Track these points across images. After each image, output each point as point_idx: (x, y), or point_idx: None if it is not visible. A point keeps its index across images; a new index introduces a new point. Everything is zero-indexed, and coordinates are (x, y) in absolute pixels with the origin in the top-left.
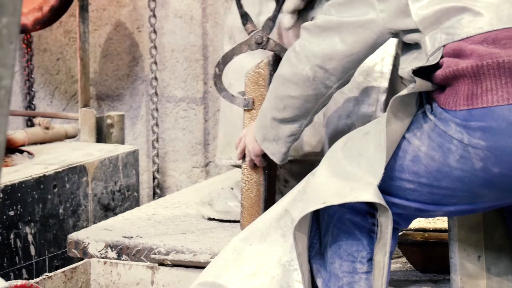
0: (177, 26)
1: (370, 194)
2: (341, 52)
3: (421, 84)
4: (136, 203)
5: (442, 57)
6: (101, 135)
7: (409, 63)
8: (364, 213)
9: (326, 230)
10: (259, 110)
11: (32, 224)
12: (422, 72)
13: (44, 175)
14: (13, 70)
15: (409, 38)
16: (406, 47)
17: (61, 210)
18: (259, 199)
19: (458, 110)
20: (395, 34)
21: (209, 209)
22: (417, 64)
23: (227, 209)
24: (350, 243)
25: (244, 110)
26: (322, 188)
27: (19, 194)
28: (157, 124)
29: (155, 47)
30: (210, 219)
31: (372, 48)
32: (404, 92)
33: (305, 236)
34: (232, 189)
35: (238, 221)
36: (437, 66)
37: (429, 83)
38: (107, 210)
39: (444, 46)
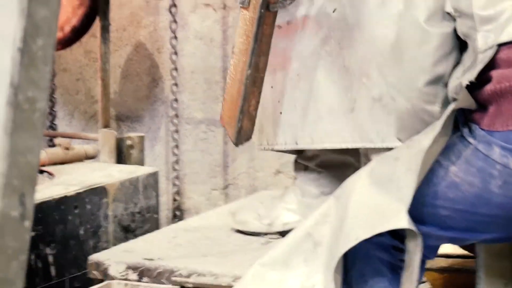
0: (197, 48)
1: (399, 220)
2: None
3: (464, 100)
4: (156, 225)
5: (492, 67)
6: (121, 156)
7: (458, 75)
8: (390, 248)
9: (352, 264)
10: (252, 11)
11: (52, 245)
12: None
13: (65, 196)
14: (47, 93)
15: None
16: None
17: (81, 231)
18: (239, 97)
19: (506, 131)
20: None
21: (231, 219)
22: (470, 77)
23: (243, 220)
24: (377, 279)
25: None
26: (352, 221)
27: (40, 215)
28: (177, 146)
29: (175, 69)
30: (237, 231)
31: None
32: (445, 115)
33: (338, 274)
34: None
35: (256, 234)
36: (484, 80)
37: (473, 100)
38: (127, 232)
39: (499, 46)
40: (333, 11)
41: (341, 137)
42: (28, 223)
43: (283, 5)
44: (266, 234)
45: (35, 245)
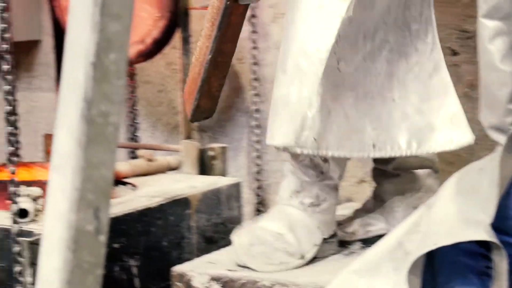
0: (277, 58)
1: (481, 232)
2: None
3: None
4: None
5: None
6: (203, 167)
7: None
8: (477, 255)
9: (439, 270)
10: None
11: (136, 256)
12: None
13: (148, 207)
14: (121, 107)
15: None
16: None
17: (165, 243)
18: (199, 77)
19: None
20: None
21: None
22: None
23: None
24: (463, 286)
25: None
26: (435, 228)
27: (123, 227)
28: (259, 157)
29: (256, 79)
30: None
31: None
32: None
33: (416, 277)
34: None
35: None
36: None
37: None
38: (211, 243)
39: None
40: None
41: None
42: (103, 238)
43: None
44: (349, 242)
45: (119, 257)
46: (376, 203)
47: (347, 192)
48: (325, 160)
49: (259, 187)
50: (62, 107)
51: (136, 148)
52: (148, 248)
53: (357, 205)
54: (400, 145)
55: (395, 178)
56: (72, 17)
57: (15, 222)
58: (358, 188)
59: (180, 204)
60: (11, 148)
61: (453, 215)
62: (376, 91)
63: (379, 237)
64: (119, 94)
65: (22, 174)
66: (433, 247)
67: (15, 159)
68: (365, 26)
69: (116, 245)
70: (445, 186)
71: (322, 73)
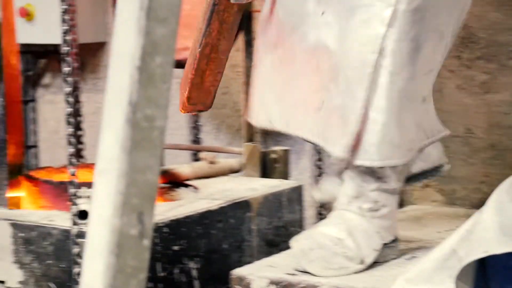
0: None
1: None
2: None
3: None
4: None
5: None
6: (265, 170)
7: None
8: None
9: (492, 277)
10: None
11: (196, 259)
12: None
13: (209, 210)
14: (166, 111)
15: None
16: None
17: (225, 245)
18: (190, 70)
19: None
20: None
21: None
22: None
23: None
24: None
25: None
26: (486, 234)
27: (183, 229)
28: (321, 160)
29: None
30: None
31: None
32: None
33: (467, 285)
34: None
35: None
36: None
37: None
38: (271, 246)
39: None
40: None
41: (310, 131)
42: (147, 242)
43: None
44: None
45: (179, 259)
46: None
47: (411, 196)
48: (381, 166)
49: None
50: (108, 111)
51: (199, 151)
52: (208, 250)
53: (421, 207)
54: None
55: None
56: (118, 20)
57: (74, 223)
58: (422, 193)
59: (241, 206)
60: (72, 150)
61: (504, 223)
62: (429, 98)
63: None
64: (165, 98)
65: (85, 176)
66: (483, 254)
67: (75, 160)
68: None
69: (176, 248)
70: (497, 192)
71: (377, 84)
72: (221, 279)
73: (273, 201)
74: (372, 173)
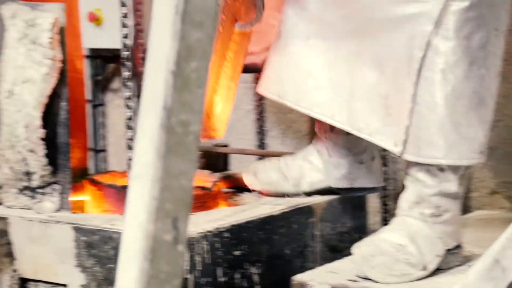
0: None
1: None
2: None
3: None
4: None
5: None
6: None
7: None
8: None
9: None
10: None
11: (258, 264)
12: None
13: (271, 215)
14: (201, 116)
15: None
16: None
17: (287, 251)
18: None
19: None
20: None
21: (253, 178)
22: None
23: (269, 180)
24: None
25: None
26: None
27: (245, 234)
28: (386, 165)
29: None
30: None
31: None
32: None
33: None
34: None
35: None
36: None
37: None
38: (335, 252)
39: None
40: None
41: (331, 112)
42: (181, 247)
43: (251, 25)
44: (294, 194)
45: (240, 264)
46: (321, 156)
47: (478, 202)
48: (441, 169)
49: (386, 196)
50: (143, 116)
51: (264, 155)
52: (270, 256)
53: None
54: None
55: (345, 134)
56: (154, 25)
57: None
58: (489, 199)
59: (304, 212)
60: (131, 154)
61: None
62: (489, 98)
63: None
64: (200, 103)
65: None
66: None
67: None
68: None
69: (237, 253)
70: None
71: (429, 81)
72: (283, 285)
73: (337, 206)
74: (432, 178)
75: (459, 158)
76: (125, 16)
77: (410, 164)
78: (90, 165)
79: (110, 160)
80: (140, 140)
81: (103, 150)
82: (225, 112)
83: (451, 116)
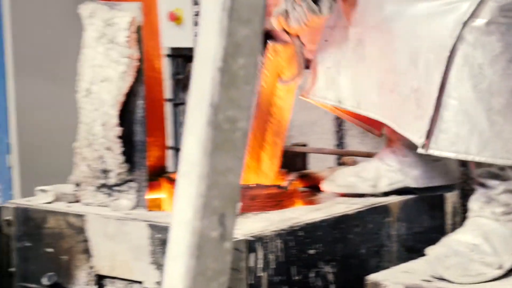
0: None
1: None
2: None
3: None
4: None
5: None
6: None
7: None
8: None
9: None
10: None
11: (332, 263)
12: None
13: (346, 214)
14: (249, 112)
15: None
16: None
17: (362, 250)
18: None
19: None
20: None
21: (331, 184)
22: None
23: (347, 184)
24: None
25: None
26: None
27: (319, 233)
28: (464, 165)
29: None
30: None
31: None
32: None
33: None
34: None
35: (359, 195)
36: None
37: None
38: (412, 252)
39: None
40: None
41: (382, 112)
42: (228, 244)
43: (293, 80)
44: (371, 195)
45: (314, 263)
46: (396, 157)
47: None
48: (502, 168)
49: (466, 196)
50: (190, 113)
51: (343, 155)
52: (345, 255)
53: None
54: None
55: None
56: (202, 22)
57: None
58: None
59: (379, 211)
60: None
61: None
62: None
63: None
64: (248, 99)
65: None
66: None
67: None
68: None
69: (311, 252)
70: None
71: (464, 74)
72: (359, 284)
73: (414, 206)
74: (496, 177)
75: (492, 156)
76: (197, 14)
77: (472, 165)
78: (170, 163)
79: None
80: (187, 137)
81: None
82: (272, 168)
83: (486, 112)
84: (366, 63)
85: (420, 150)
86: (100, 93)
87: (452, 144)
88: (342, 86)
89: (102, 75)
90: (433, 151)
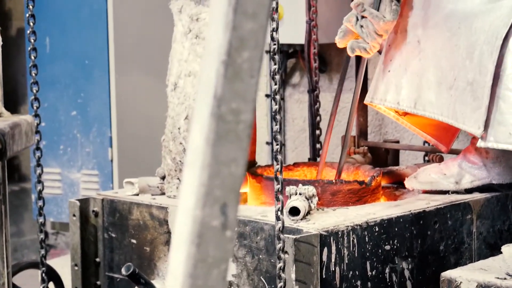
0: None
1: None
2: None
3: None
4: None
5: None
6: None
7: None
8: None
9: None
10: None
11: (409, 259)
12: None
13: (424, 210)
14: (253, 105)
15: None
16: None
17: (441, 247)
18: None
19: None
20: None
21: (413, 181)
22: None
23: (429, 180)
24: None
25: None
26: None
27: (396, 229)
28: None
29: None
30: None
31: None
32: None
33: None
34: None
35: (442, 192)
36: None
37: None
38: (493, 249)
39: None
40: None
41: (440, 110)
42: (230, 233)
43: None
44: (454, 192)
45: (390, 258)
46: (480, 155)
47: None
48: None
49: None
50: (197, 105)
51: (432, 152)
52: (423, 251)
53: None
54: None
55: None
56: (210, 16)
57: (278, 218)
58: None
59: (460, 208)
60: (277, 147)
61: None
62: None
63: None
64: (252, 92)
65: (312, 174)
66: None
67: (280, 157)
68: None
69: (387, 247)
70: None
71: None
72: (435, 281)
73: (496, 203)
74: None
75: None
76: (273, 9)
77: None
78: (267, 158)
79: (288, 154)
80: (193, 128)
81: (282, 144)
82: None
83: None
84: (423, 63)
85: (480, 144)
86: (185, 87)
87: (511, 136)
88: (400, 88)
89: (188, 69)
90: (492, 144)
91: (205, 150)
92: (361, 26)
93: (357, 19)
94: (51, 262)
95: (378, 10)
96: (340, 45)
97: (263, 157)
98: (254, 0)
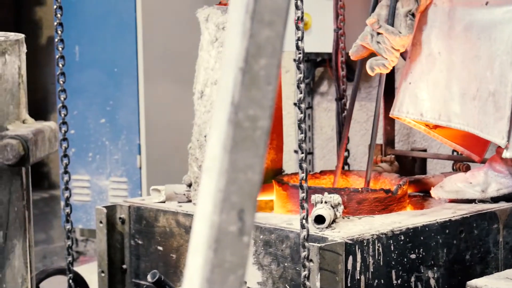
0: None
1: None
2: None
3: None
4: None
5: None
6: None
7: None
8: None
9: None
10: None
11: (435, 268)
12: None
13: (450, 219)
14: (270, 111)
15: None
16: None
17: (467, 256)
18: None
19: None
20: None
21: (439, 190)
22: None
23: (455, 189)
24: None
25: None
26: None
27: (422, 238)
28: None
29: None
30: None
31: None
32: None
33: None
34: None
35: (468, 201)
36: None
37: None
38: None
39: None
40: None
41: (465, 120)
42: (247, 239)
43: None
44: (480, 201)
45: (416, 267)
46: (505, 164)
47: None
48: None
49: None
50: (215, 111)
51: (459, 161)
52: (448, 260)
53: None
54: None
55: None
56: (228, 24)
57: (303, 227)
58: None
59: (486, 218)
60: (302, 155)
61: None
62: None
63: None
64: (269, 99)
65: (339, 183)
66: None
67: (305, 165)
68: None
69: (412, 256)
70: None
71: None
72: None
73: None
74: None
75: None
76: (298, 19)
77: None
78: (295, 166)
79: (316, 162)
80: (211, 135)
81: (310, 153)
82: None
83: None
84: (445, 75)
85: (505, 154)
86: (211, 95)
87: None
88: (423, 100)
89: (214, 77)
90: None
91: (223, 157)
92: (378, 43)
93: (372, 36)
94: (80, 268)
95: (393, 26)
96: (353, 58)
97: (291, 165)
98: (271, 9)
